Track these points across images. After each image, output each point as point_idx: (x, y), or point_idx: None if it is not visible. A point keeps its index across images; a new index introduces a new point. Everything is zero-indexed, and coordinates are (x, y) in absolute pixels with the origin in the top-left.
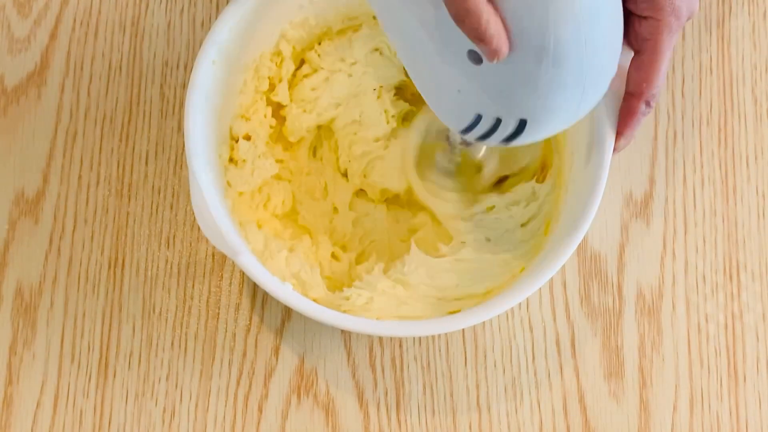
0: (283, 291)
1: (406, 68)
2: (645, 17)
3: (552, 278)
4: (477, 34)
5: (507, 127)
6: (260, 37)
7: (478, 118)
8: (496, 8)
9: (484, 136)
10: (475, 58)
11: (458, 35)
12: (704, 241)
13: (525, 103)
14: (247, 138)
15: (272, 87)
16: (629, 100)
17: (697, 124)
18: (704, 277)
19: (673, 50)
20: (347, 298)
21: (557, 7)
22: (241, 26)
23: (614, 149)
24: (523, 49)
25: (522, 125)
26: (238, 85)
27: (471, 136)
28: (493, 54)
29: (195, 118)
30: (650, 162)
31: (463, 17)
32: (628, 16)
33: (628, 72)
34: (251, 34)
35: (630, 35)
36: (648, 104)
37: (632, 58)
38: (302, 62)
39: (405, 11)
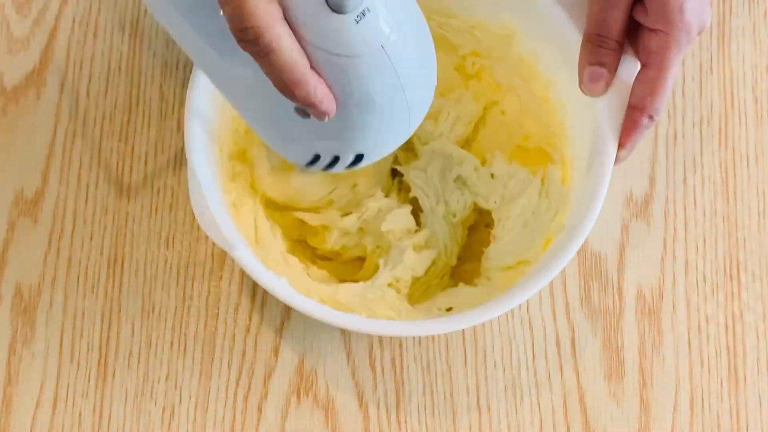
0: (278, 285)
1: (236, 109)
2: (654, 30)
3: (552, 278)
4: (307, 102)
5: (345, 161)
6: None
7: (317, 157)
8: (318, 73)
9: (327, 168)
10: (303, 113)
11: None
12: (704, 241)
13: (358, 143)
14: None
15: None
16: (632, 113)
17: (698, 124)
18: (704, 277)
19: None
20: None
21: (369, 63)
22: None
23: (616, 160)
24: (348, 104)
25: (359, 157)
26: None
27: (314, 169)
28: (323, 115)
29: (195, 112)
30: (650, 162)
31: (292, 88)
32: (638, 27)
33: (633, 85)
34: None
35: (638, 47)
36: (651, 118)
37: (639, 71)
38: None
39: (238, 68)
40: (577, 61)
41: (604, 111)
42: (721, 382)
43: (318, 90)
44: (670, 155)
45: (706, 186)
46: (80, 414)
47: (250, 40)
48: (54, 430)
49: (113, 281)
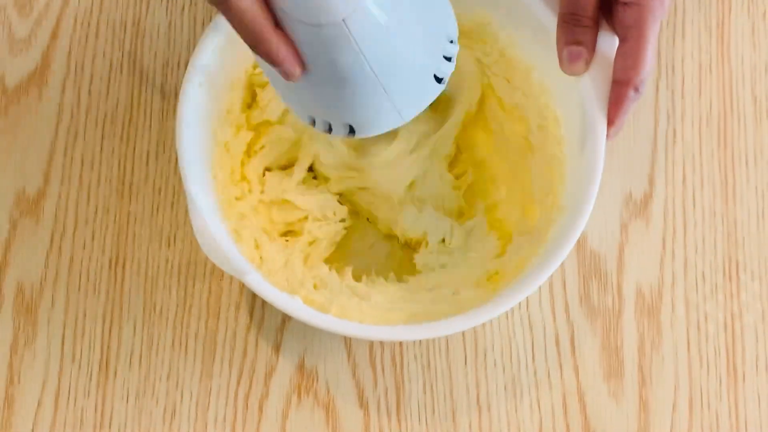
0: (294, 306)
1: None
2: (628, 3)
3: (552, 278)
4: (269, 59)
5: (339, 130)
6: (243, 56)
7: (313, 120)
8: (289, 36)
9: (328, 132)
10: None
11: None
12: (704, 241)
13: (341, 113)
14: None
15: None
16: (618, 88)
17: (697, 125)
18: (704, 276)
19: (671, 48)
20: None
21: (332, 35)
22: (222, 46)
23: (607, 136)
24: (317, 71)
25: (351, 129)
26: (225, 104)
27: (316, 130)
28: (287, 75)
29: (188, 143)
30: (650, 162)
31: (254, 44)
32: (612, 3)
33: (615, 60)
34: (233, 54)
35: (614, 22)
36: (637, 90)
37: (618, 46)
38: None
39: None
40: (554, 45)
41: (589, 89)
42: (720, 381)
43: (281, 49)
44: (669, 155)
45: (706, 186)
46: (82, 413)
47: None
48: (56, 429)
49: (115, 281)
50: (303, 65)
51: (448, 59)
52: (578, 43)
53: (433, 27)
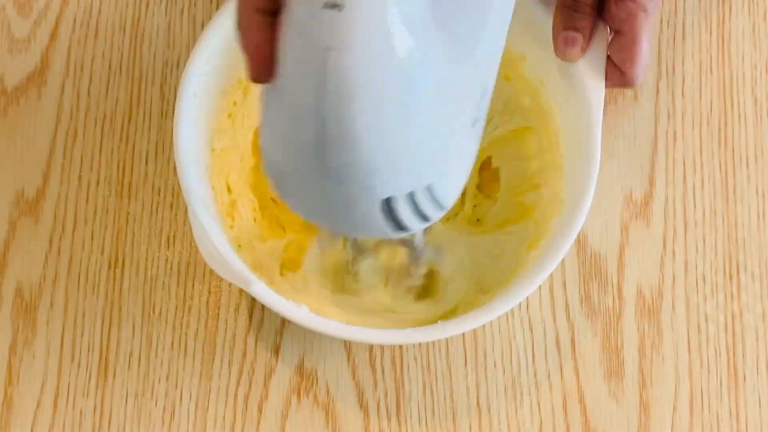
0: (301, 314)
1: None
2: None
3: (552, 278)
4: (245, 51)
5: (423, 200)
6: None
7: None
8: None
9: (419, 218)
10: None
11: None
12: (704, 242)
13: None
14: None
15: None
16: (614, 71)
17: (697, 124)
18: (704, 277)
19: (671, 48)
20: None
21: (305, 68)
22: (220, 48)
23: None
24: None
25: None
26: (222, 110)
27: (404, 227)
28: (251, 74)
29: (186, 153)
30: (650, 162)
31: (240, 33)
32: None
33: (610, 52)
34: (231, 57)
35: (608, 17)
36: (631, 83)
37: (612, 39)
38: None
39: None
40: (542, 39)
41: (584, 81)
42: (721, 382)
43: (258, 48)
44: (669, 155)
45: (706, 186)
46: (81, 414)
47: None
48: (55, 429)
49: (114, 281)
50: (269, 72)
51: None
52: (576, 29)
53: None
